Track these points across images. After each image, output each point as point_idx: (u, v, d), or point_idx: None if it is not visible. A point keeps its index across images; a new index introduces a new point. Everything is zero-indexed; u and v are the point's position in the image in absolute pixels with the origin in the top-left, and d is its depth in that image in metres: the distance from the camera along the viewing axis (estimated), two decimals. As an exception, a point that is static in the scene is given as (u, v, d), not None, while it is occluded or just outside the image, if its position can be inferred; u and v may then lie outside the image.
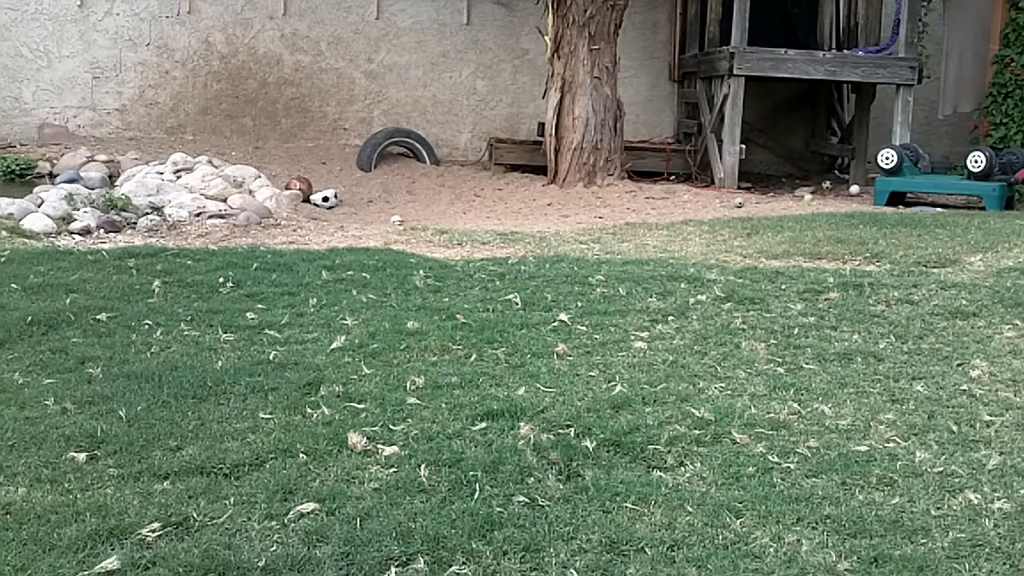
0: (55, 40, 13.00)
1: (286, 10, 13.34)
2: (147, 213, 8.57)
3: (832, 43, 13.76)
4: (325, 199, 10.41)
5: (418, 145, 13.01)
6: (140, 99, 13.18)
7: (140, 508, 3.20)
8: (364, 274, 6.39)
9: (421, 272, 6.38)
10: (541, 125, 12.17)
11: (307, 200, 10.28)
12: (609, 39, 11.49)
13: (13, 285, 5.82)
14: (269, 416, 4.01)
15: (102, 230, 8.02)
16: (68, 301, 5.52)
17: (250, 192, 9.65)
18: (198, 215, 8.72)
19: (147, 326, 5.17)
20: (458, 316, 5.38)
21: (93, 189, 9.16)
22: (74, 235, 7.88)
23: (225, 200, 9.27)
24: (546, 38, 11.66)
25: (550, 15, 11.53)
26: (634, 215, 9.87)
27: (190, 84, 13.25)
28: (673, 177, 12.61)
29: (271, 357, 4.72)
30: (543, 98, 11.99)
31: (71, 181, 9.57)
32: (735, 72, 11.76)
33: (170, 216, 8.56)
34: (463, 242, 7.86)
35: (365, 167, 12.47)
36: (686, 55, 13.75)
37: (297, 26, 13.39)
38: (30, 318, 5.15)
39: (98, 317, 5.25)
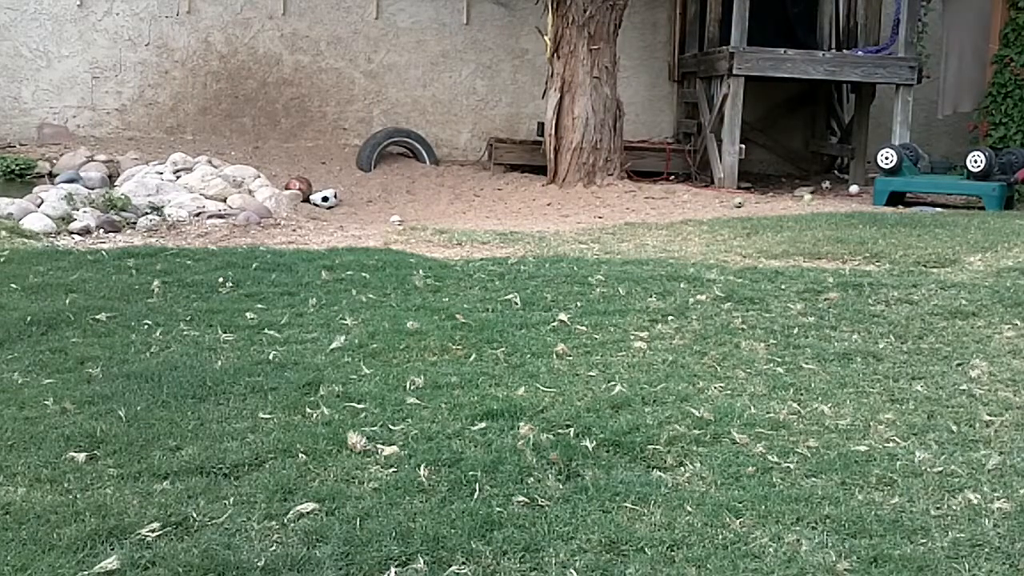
0: (55, 40, 12.99)
1: (286, 10, 13.34)
2: (147, 213, 8.57)
3: (832, 43, 13.76)
4: (325, 199, 10.42)
5: (418, 145, 13.01)
6: (140, 99, 13.18)
7: (140, 508, 3.20)
8: (364, 274, 6.39)
9: (421, 272, 6.38)
10: (541, 125, 12.17)
11: (307, 200, 10.29)
12: (609, 39, 11.50)
13: (13, 285, 5.82)
14: (269, 416, 4.01)
15: (102, 230, 8.02)
16: (68, 301, 5.52)
17: (250, 192, 9.65)
18: (198, 215, 8.72)
19: (147, 326, 5.17)
20: (458, 316, 5.38)
21: (93, 189, 9.16)
22: (74, 235, 7.88)
23: (225, 200, 9.28)
24: (546, 38, 11.66)
25: (550, 15, 11.54)
26: (634, 215, 9.86)
27: (190, 84, 13.25)
28: (673, 177, 12.61)
29: (271, 357, 4.72)
30: (543, 98, 11.99)
31: (71, 181, 9.56)
32: (735, 72, 11.76)
33: (170, 216, 8.56)
34: (463, 242, 7.86)
35: (365, 167, 12.47)
36: (686, 55, 13.75)
37: (297, 26, 13.39)
38: (30, 318, 5.15)
39: (98, 317, 5.25)
